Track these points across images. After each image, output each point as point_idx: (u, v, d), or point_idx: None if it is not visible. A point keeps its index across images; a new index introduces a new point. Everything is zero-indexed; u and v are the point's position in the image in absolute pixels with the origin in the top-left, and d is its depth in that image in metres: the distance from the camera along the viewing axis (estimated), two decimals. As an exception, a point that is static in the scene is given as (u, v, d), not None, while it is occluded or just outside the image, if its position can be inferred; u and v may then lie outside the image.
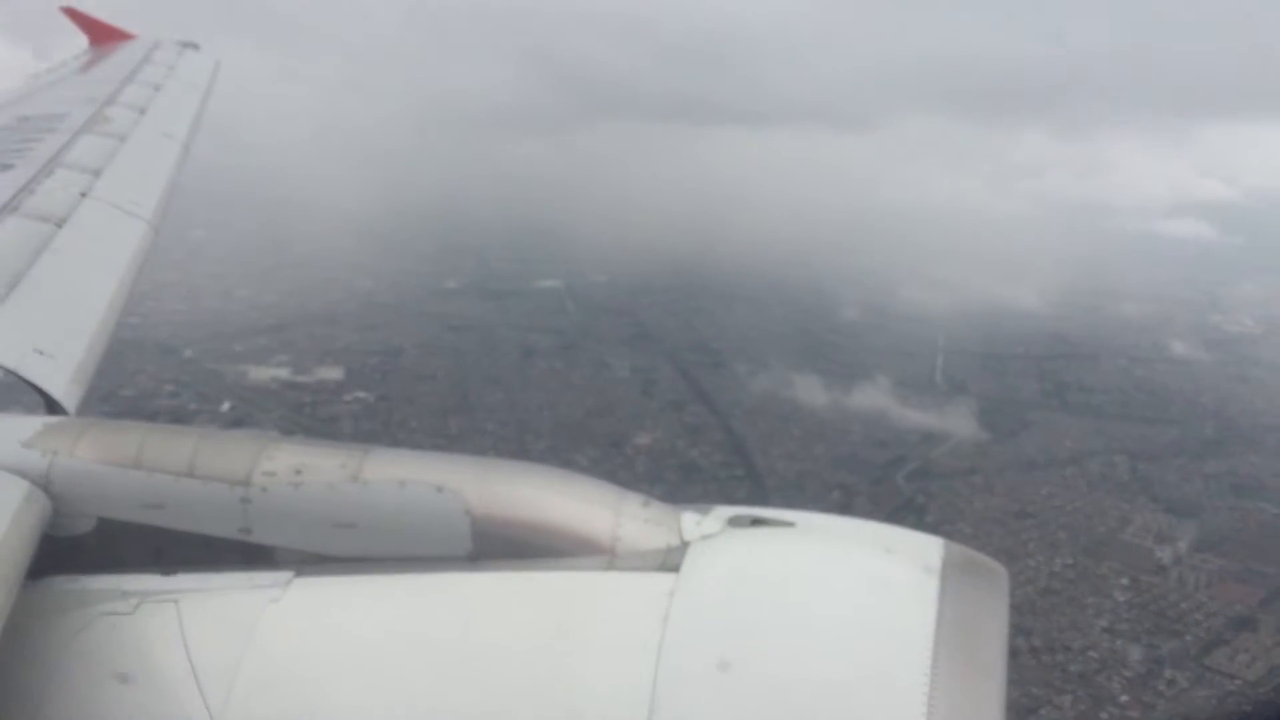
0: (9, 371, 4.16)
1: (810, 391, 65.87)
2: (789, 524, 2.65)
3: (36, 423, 3.19)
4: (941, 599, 2.35)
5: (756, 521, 2.67)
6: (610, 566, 2.62)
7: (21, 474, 2.95)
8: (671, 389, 64.77)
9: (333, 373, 60.54)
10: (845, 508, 48.27)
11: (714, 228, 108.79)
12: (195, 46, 12.92)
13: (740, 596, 2.45)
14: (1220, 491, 55.97)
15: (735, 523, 2.68)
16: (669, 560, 2.57)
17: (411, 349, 67.48)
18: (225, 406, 53.04)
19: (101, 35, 13.15)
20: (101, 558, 2.92)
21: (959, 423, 64.50)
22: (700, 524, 2.67)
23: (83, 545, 2.96)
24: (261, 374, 58.61)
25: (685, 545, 2.60)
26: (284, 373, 59.43)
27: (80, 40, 13.13)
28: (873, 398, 66.75)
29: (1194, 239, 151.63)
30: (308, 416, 53.55)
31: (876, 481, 53.28)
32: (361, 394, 58.01)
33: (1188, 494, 55.28)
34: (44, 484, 2.93)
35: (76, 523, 2.96)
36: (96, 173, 6.78)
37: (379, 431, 52.16)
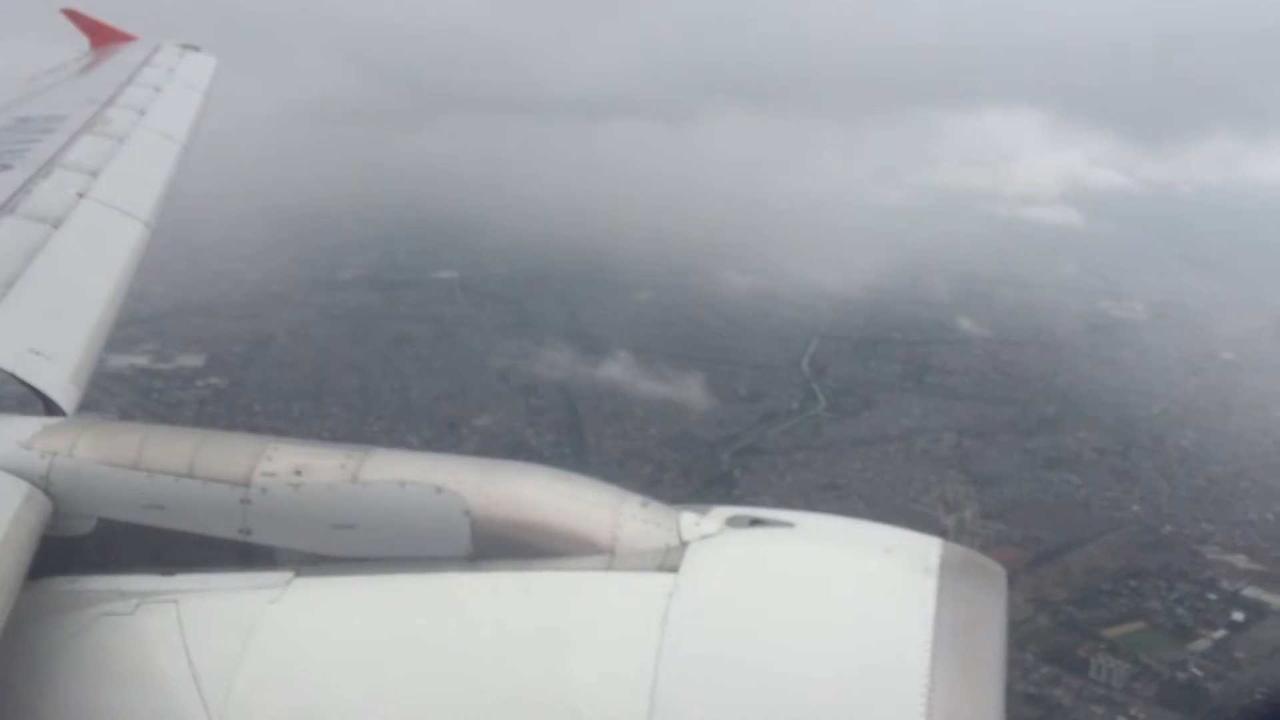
0: (6, 373, 4.15)
1: (666, 376, 68.28)
2: (788, 524, 2.69)
3: (35, 424, 3.22)
4: (940, 599, 2.38)
5: (755, 522, 2.71)
6: (609, 567, 2.65)
7: (21, 475, 2.97)
8: (530, 374, 67.09)
9: (194, 360, 62.64)
10: (654, 481, 50.93)
11: (613, 219, 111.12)
12: (196, 49, 12.88)
13: (739, 597, 2.48)
14: (1033, 465, 58.82)
15: (734, 523, 2.71)
16: (668, 561, 2.60)
17: (282, 337, 69.66)
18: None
19: (102, 37, 13.18)
20: (101, 558, 2.96)
21: (805, 404, 67.29)
22: (699, 524, 2.71)
23: (82, 546, 3.00)
24: (120, 362, 60.33)
25: (684, 546, 2.64)
26: (144, 360, 61.37)
27: (81, 42, 13.19)
28: (728, 381, 69.37)
29: (1062, 226, 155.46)
30: (155, 402, 55.64)
31: (698, 458, 55.82)
32: (215, 380, 60.23)
33: (1000, 467, 58.02)
34: (43, 485, 2.96)
35: (76, 523, 2.99)
36: (94, 174, 6.79)
37: (220, 415, 54.33)
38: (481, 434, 56.21)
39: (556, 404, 62.42)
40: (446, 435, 54.88)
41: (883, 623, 2.38)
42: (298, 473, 2.86)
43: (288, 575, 2.78)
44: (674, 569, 2.57)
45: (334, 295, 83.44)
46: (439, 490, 2.77)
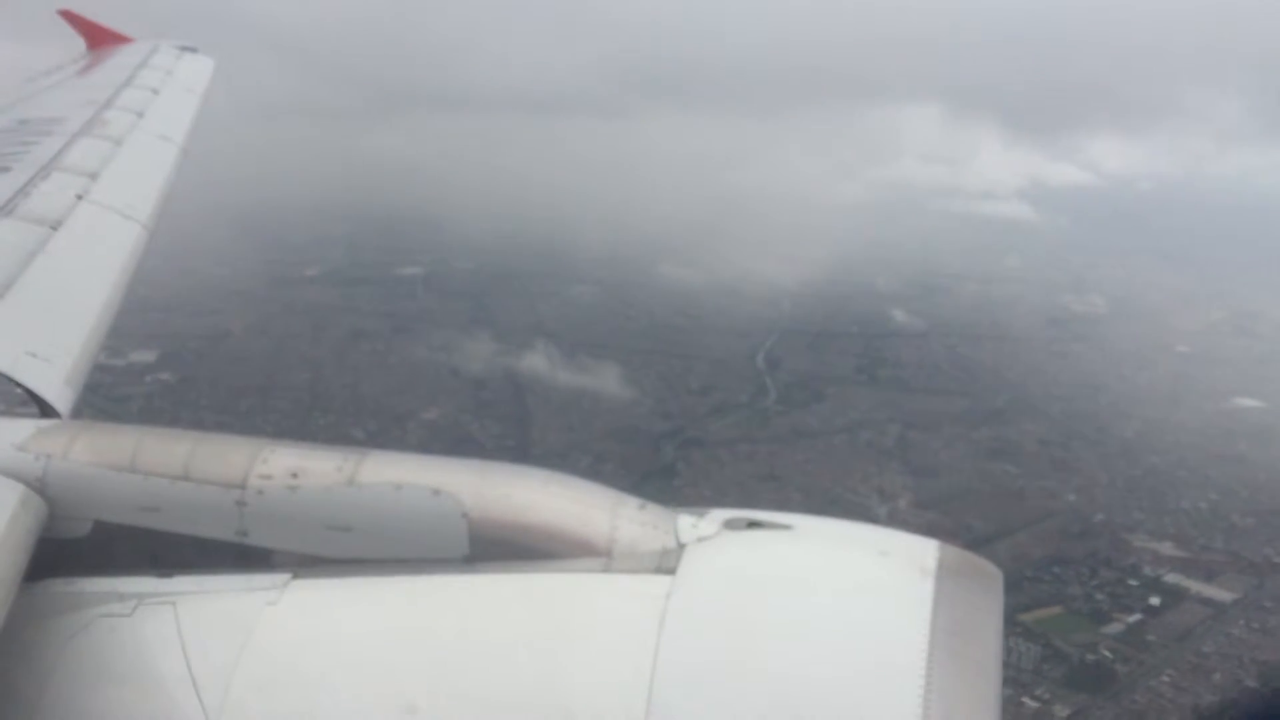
0: (3, 375, 4.16)
1: (619, 370, 69.02)
2: (785, 526, 2.71)
3: (30, 426, 3.23)
4: (936, 601, 2.40)
5: (753, 524, 2.71)
6: (606, 569, 2.67)
7: (16, 477, 2.99)
8: (482, 368, 67.84)
9: (146, 355, 63.01)
10: (592, 473, 51.36)
11: (575, 215, 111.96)
12: (193, 50, 12.88)
13: (736, 599, 2.49)
14: (975, 456, 59.64)
15: (731, 525, 2.71)
16: (665, 563, 2.62)
17: (239, 333, 70.24)
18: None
19: (99, 38, 13.21)
20: (98, 560, 2.95)
21: (756, 397, 68.10)
22: (696, 526, 2.72)
23: (79, 548, 3.00)
24: (72, 357, 60.94)
25: (681, 548, 2.66)
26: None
27: (78, 43, 13.23)
28: (680, 375, 70.14)
29: (1024, 222, 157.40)
30: (101, 397, 55.73)
31: (640, 450, 56.55)
32: (165, 375, 60.72)
33: (942, 458, 58.85)
34: (39, 487, 2.98)
35: (72, 525, 3.00)
36: (93, 176, 6.84)
37: (166, 410, 54.93)
38: (427, 427, 56.92)
39: (506, 397, 63.14)
40: (392, 428, 55.57)
41: (879, 625, 2.40)
42: (294, 475, 2.89)
43: (285, 577, 2.80)
44: (671, 571, 2.59)
45: (296, 292, 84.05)
46: (436, 492, 2.80)
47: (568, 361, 69.93)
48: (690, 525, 2.73)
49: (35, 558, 2.80)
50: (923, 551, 2.58)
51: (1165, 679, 38.69)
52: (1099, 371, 78.10)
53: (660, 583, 2.55)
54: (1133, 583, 45.83)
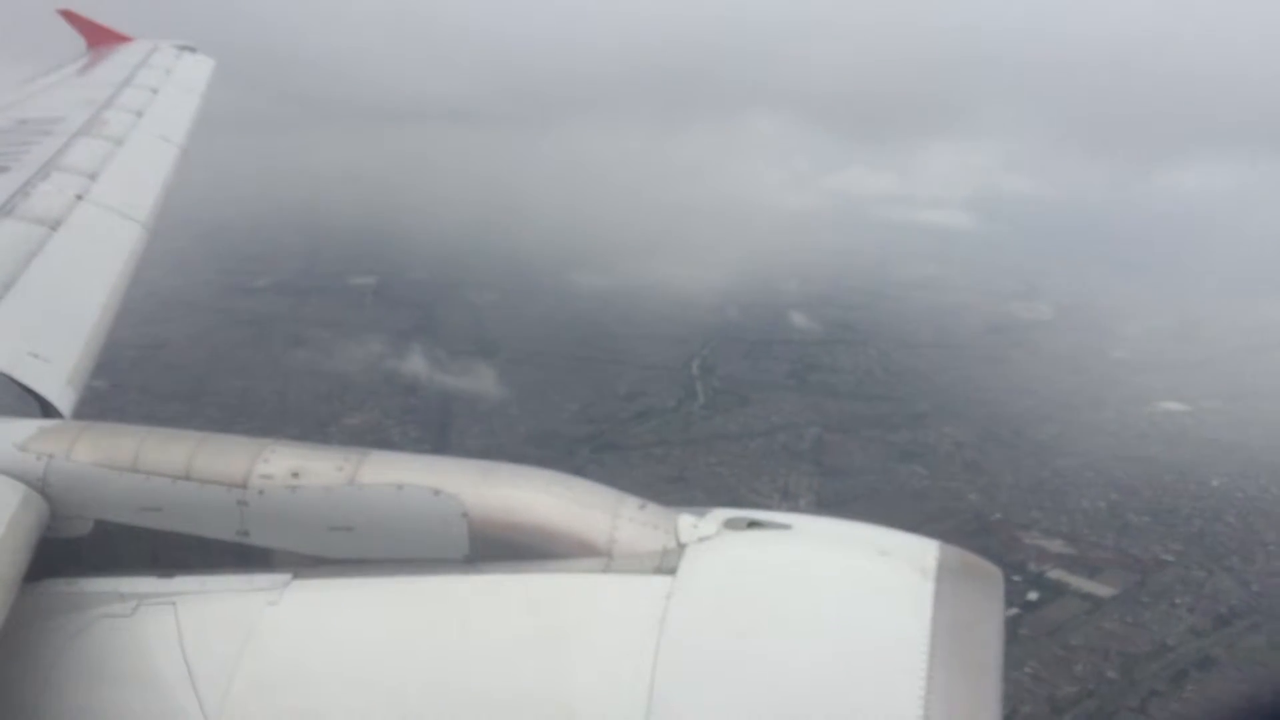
0: (3, 375, 4.16)
1: (549, 376, 70.52)
2: (785, 526, 2.74)
3: (32, 426, 3.25)
4: (937, 601, 2.42)
5: (753, 524, 2.74)
6: (607, 569, 2.67)
7: (18, 477, 2.99)
8: (413, 376, 69.34)
9: (81, 364, 64.40)
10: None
11: (527, 223, 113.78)
12: (192, 50, 12.92)
13: (737, 599, 2.51)
14: (889, 457, 61.06)
15: (732, 525, 2.73)
16: (666, 563, 2.62)
17: (178, 341, 71.40)
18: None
19: (99, 38, 13.26)
20: (99, 560, 2.96)
21: (683, 402, 69.47)
22: (697, 526, 2.73)
23: (80, 548, 3.01)
24: (5, 366, 62.27)
25: (682, 548, 2.66)
26: (31, 364, 63.20)
27: (77, 42, 13.28)
28: (610, 381, 71.51)
29: (964, 229, 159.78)
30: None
31: (555, 454, 57.79)
32: (97, 382, 60.81)
33: (854, 460, 60.28)
34: (40, 487, 2.99)
35: (74, 525, 3.01)
36: (93, 176, 6.79)
37: (93, 416, 55.93)
38: (348, 431, 58.16)
39: (432, 404, 64.52)
40: (314, 433, 56.74)
41: (880, 624, 2.43)
42: (295, 475, 2.90)
43: (286, 577, 2.83)
44: (671, 571, 2.61)
45: (243, 301, 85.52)
46: (437, 492, 2.81)
47: (502, 369, 71.32)
48: (690, 525, 2.76)
49: (36, 557, 2.82)
50: (923, 551, 2.62)
51: (1027, 670, 39.91)
52: (1031, 377, 79.36)
53: (661, 583, 2.59)
54: (1015, 578, 46.93)
